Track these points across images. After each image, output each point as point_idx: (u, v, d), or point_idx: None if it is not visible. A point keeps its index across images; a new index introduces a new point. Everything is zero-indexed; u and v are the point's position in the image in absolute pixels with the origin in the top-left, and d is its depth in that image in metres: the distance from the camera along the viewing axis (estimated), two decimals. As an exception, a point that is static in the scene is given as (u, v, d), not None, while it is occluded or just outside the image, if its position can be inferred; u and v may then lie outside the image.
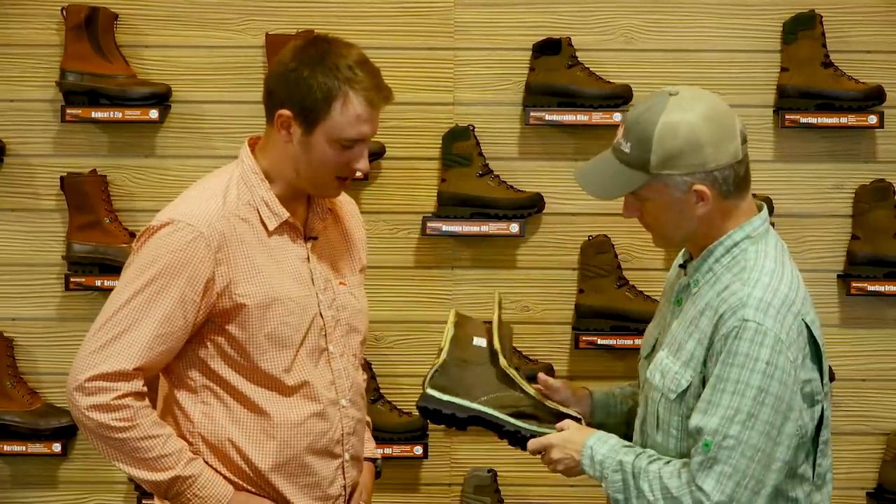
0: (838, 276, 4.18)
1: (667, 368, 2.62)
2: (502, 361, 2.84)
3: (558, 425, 2.76)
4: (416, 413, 4.12)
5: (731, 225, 2.60)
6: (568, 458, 2.69)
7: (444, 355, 2.83)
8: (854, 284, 4.11)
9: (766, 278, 2.54)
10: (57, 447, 4.12)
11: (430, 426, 4.16)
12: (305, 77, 2.75)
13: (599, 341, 4.13)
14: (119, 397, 2.70)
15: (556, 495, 4.23)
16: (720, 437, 2.49)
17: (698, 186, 2.54)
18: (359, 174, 2.87)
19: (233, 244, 2.77)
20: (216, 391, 2.81)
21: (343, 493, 2.95)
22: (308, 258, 2.90)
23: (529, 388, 2.83)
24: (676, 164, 2.53)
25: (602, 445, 2.66)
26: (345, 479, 2.94)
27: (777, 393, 2.49)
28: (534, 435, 2.76)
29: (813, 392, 2.58)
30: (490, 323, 2.94)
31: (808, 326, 2.57)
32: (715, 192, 2.55)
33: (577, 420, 2.81)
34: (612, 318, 4.13)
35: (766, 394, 2.49)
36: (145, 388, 2.75)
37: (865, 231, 4.12)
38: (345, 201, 3.08)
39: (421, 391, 2.80)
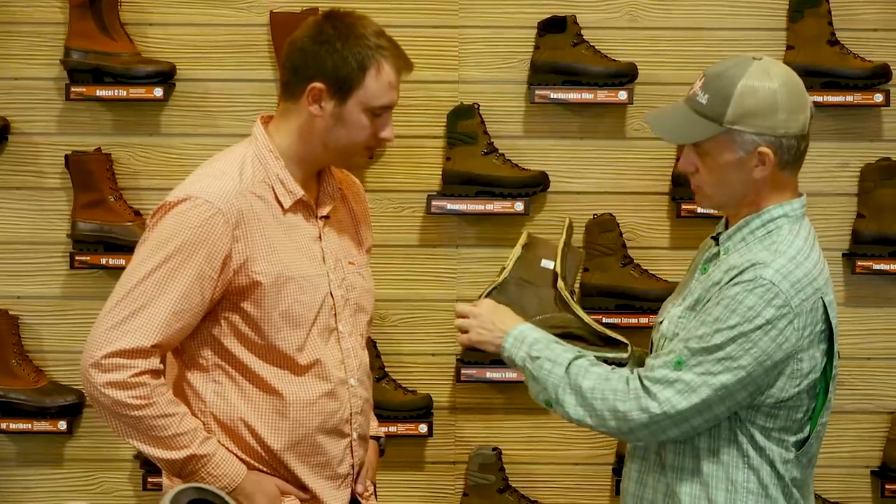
0: (843, 255, 4.18)
1: (673, 315, 2.70)
2: (560, 283, 2.90)
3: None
4: (420, 392, 4.16)
5: (774, 199, 2.65)
6: (490, 324, 2.78)
7: (505, 274, 2.91)
8: (859, 263, 4.11)
9: (792, 251, 2.60)
10: (62, 425, 4.11)
11: (435, 405, 4.16)
12: (339, 49, 2.77)
13: (604, 320, 4.09)
14: (136, 374, 2.69)
15: (562, 473, 4.23)
16: (695, 362, 2.56)
17: (763, 148, 2.60)
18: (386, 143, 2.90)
19: (250, 221, 2.76)
20: (228, 370, 2.81)
21: (351, 472, 2.95)
22: (320, 237, 2.90)
23: (582, 313, 2.90)
24: (750, 121, 2.59)
25: (535, 331, 2.74)
26: (353, 458, 2.95)
27: (766, 349, 2.54)
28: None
29: (809, 369, 2.61)
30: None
31: (825, 306, 2.62)
32: (776, 160, 2.61)
33: (626, 346, 2.87)
34: (616, 296, 4.13)
35: (755, 345, 2.54)
36: (162, 366, 2.75)
37: (871, 210, 4.11)
38: (351, 181, 3.09)
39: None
